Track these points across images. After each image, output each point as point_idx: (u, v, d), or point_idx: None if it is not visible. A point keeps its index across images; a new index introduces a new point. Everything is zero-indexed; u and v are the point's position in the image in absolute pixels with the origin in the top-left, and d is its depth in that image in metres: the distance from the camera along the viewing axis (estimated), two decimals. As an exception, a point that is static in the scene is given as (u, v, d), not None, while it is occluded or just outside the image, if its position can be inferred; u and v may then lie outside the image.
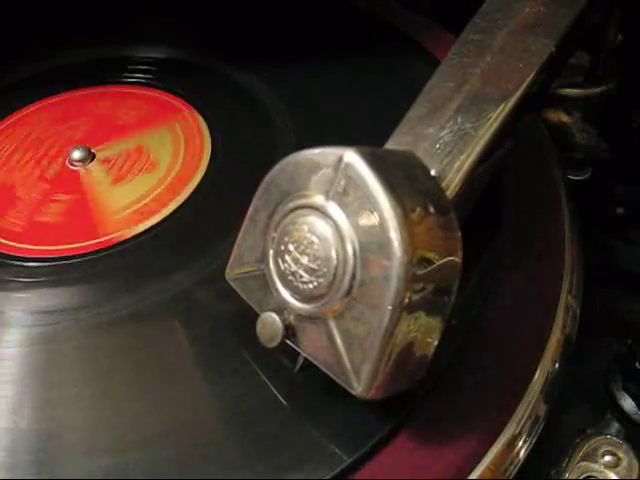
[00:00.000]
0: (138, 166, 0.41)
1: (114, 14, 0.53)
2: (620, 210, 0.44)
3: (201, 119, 0.43)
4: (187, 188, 0.39)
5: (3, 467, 0.28)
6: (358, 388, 0.25)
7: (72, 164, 0.41)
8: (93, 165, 0.41)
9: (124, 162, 0.41)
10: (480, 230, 0.34)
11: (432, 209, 0.25)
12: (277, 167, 0.27)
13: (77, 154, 0.41)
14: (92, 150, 0.41)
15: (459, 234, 0.26)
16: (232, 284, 0.30)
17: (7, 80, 0.50)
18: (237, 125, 0.43)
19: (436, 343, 0.26)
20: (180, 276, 0.34)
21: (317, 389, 0.28)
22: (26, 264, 0.36)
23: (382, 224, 0.24)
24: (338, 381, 0.25)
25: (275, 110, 0.43)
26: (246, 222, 0.28)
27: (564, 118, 0.46)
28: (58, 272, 0.35)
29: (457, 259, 0.26)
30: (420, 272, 0.24)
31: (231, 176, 0.39)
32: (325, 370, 0.26)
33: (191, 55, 0.49)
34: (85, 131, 0.44)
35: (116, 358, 0.31)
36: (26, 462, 0.28)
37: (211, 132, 0.42)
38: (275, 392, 0.29)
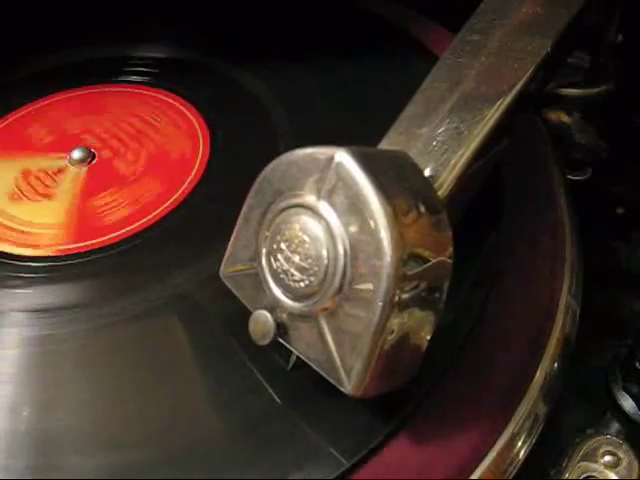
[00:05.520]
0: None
1: (114, 14, 0.54)
2: (620, 210, 0.44)
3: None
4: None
5: (1, 468, 0.28)
6: (348, 386, 0.25)
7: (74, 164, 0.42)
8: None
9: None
10: (480, 230, 0.34)
11: (423, 209, 0.25)
12: (270, 166, 0.27)
13: (77, 154, 0.41)
14: (92, 149, 0.42)
15: (450, 233, 0.26)
16: (226, 282, 0.30)
17: (7, 80, 0.50)
18: (236, 124, 0.43)
19: (428, 339, 0.26)
20: (180, 276, 0.34)
21: (317, 390, 0.28)
22: (26, 264, 0.36)
23: (372, 224, 0.24)
24: (329, 379, 0.25)
25: (274, 109, 0.43)
26: (240, 221, 0.29)
27: (564, 118, 0.46)
28: (57, 272, 0.35)
29: (448, 258, 0.26)
30: (410, 271, 0.24)
31: (231, 175, 0.39)
32: (316, 368, 0.26)
33: (191, 54, 0.50)
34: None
35: (115, 358, 0.31)
36: (25, 463, 0.28)
37: (210, 131, 0.42)
38: (275, 393, 0.29)
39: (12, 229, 0.38)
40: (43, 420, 0.29)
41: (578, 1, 0.35)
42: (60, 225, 0.38)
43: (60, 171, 0.41)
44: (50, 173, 0.41)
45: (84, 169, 0.41)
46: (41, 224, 0.38)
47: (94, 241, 0.37)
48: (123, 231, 0.37)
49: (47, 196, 0.40)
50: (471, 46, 0.33)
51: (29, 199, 0.40)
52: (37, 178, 0.41)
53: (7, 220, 0.39)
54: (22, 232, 0.38)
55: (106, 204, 0.39)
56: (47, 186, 0.41)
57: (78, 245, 0.37)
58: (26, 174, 0.42)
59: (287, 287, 0.26)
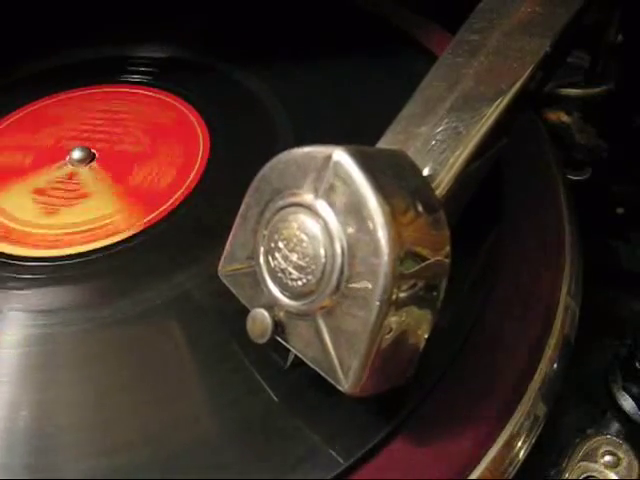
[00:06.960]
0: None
1: (114, 14, 0.54)
2: (620, 210, 0.44)
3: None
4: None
5: (0, 467, 0.28)
6: (346, 385, 0.25)
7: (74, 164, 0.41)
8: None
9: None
10: (480, 230, 0.34)
11: (421, 208, 0.25)
12: (268, 165, 0.27)
13: (77, 154, 0.41)
14: (91, 150, 0.42)
15: (448, 232, 0.26)
16: (224, 280, 0.30)
17: (7, 80, 0.50)
18: (237, 124, 0.43)
19: (425, 338, 0.26)
20: (180, 277, 0.34)
21: (316, 390, 0.28)
22: (26, 264, 0.36)
23: (370, 223, 0.24)
24: (327, 377, 0.25)
25: (274, 109, 0.43)
26: (238, 219, 0.29)
27: (564, 118, 0.45)
28: (57, 272, 0.35)
29: (445, 257, 0.26)
30: (408, 270, 0.24)
31: (230, 175, 0.39)
32: (314, 367, 0.26)
33: (191, 55, 0.50)
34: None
35: (114, 359, 0.31)
36: (23, 463, 0.28)
37: (211, 132, 0.42)
38: (273, 393, 0.29)
39: (78, 232, 0.38)
40: (41, 420, 0.29)
41: (577, 0, 0.35)
42: (121, 209, 0.38)
43: (73, 174, 0.41)
44: (64, 181, 0.41)
45: (93, 165, 0.41)
46: (103, 216, 0.38)
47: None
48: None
49: (83, 196, 0.40)
50: (470, 45, 0.33)
51: (66, 206, 0.39)
52: (56, 189, 0.40)
53: (68, 228, 0.38)
54: (91, 229, 0.38)
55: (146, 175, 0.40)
56: (73, 190, 0.40)
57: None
58: (40, 192, 0.40)
59: (285, 286, 0.26)
